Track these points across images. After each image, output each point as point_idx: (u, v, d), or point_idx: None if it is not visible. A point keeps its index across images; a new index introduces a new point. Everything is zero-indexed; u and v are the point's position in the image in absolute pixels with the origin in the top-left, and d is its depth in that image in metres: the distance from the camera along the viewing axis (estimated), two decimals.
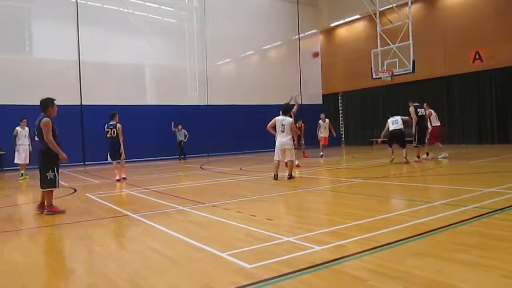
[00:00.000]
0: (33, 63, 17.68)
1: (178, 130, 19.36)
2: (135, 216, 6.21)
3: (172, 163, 17.71)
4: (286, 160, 10.13)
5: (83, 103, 18.13)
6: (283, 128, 9.85)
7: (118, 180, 11.17)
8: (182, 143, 19.40)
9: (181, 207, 6.78)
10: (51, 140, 6.53)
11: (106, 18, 19.32)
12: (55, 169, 6.67)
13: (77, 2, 18.29)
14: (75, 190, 9.65)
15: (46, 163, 6.66)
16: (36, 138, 6.80)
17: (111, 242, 4.95)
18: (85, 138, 17.83)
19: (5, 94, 16.27)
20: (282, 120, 9.93)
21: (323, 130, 16.99)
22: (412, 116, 12.61)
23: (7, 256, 4.45)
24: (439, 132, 13.70)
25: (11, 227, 5.88)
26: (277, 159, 10.06)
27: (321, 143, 16.90)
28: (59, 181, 6.86)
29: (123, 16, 19.81)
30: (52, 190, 6.72)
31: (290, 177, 9.93)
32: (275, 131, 10.02)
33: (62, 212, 6.64)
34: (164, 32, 21.32)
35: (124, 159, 11.52)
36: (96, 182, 11.28)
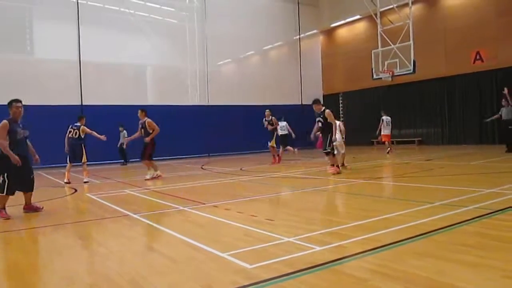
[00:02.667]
0: (34, 63, 17.68)
1: (120, 131, 17.47)
2: (135, 216, 6.22)
3: (174, 163, 17.71)
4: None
5: (83, 103, 18.14)
6: (338, 129, 11.63)
7: (67, 183, 10.87)
8: (124, 145, 16.89)
9: (181, 207, 6.78)
10: (2, 142, 6.23)
11: (107, 18, 19.35)
12: (5, 174, 6.31)
13: (78, 2, 18.29)
14: (76, 190, 9.65)
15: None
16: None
17: (112, 242, 4.95)
18: (85, 138, 17.77)
19: (6, 94, 16.18)
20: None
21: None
22: (331, 120, 10.77)
23: (10, 256, 4.46)
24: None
25: (13, 227, 5.88)
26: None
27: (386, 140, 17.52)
28: (12, 188, 6.41)
29: (124, 16, 19.83)
30: (5, 196, 6.42)
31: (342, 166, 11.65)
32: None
33: (6, 218, 6.34)
34: (164, 32, 21.34)
35: (86, 162, 11.36)
36: (96, 182, 11.29)
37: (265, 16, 23.88)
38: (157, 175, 11.48)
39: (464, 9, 19.92)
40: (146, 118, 11.41)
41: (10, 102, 6.61)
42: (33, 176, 6.84)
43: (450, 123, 20.85)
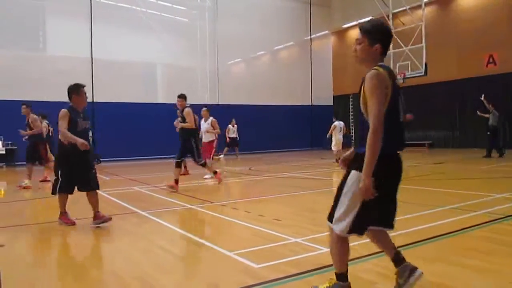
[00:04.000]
0: (46, 60, 17.85)
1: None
2: (143, 213, 6.25)
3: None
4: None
5: (94, 101, 18.27)
6: (340, 129, 14.65)
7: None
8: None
9: (189, 206, 6.80)
10: (63, 132, 5.34)
11: (119, 16, 19.45)
12: (59, 171, 5.50)
13: (90, 0, 18.45)
14: None
15: (56, 163, 5.66)
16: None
17: (120, 239, 4.98)
18: (96, 135, 17.94)
19: (18, 90, 16.44)
20: (339, 124, 14.75)
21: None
22: (190, 120, 9.70)
23: (18, 251, 4.51)
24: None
25: (21, 222, 5.95)
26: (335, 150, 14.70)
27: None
28: (63, 188, 5.52)
29: (135, 14, 19.94)
30: (61, 195, 5.62)
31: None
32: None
33: (71, 223, 5.64)
34: (176, 31, 21.42)
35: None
36: (106, 179, 11.36)
37: (277, 16, 23.85)
38: (26, 184, 9.72)
39: (477, 12, 19.70)
40: (31, 114, 9.77)
41: (73, 88, 5.67)
42: (94, 171, 5.74)
43: (461, 127, 20.62)
